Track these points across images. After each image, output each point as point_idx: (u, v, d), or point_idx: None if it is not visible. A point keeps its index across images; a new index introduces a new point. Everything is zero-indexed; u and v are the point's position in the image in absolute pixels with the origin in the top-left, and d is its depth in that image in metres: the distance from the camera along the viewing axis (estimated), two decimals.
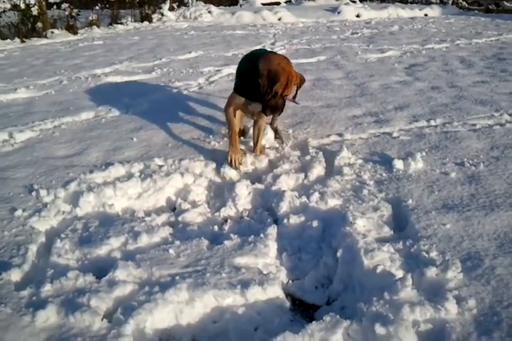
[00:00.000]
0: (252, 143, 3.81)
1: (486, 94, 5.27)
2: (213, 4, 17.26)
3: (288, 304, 2.23)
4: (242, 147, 3.76)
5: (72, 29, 12.47)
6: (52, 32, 11.99)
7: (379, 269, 2.19)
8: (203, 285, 2.16)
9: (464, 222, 2.61)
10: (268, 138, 3.95)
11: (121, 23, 14.21)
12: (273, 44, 9.73)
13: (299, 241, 2.68)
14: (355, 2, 18.96)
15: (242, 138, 3.96)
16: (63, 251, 2.52)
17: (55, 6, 13.96)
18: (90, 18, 13.57)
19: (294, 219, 2.81)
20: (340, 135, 4.09)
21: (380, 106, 4.95)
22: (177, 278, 2.23)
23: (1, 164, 3.65)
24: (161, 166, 3.49)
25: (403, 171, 3.30)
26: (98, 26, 13.42)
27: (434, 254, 2.31)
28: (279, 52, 4.13)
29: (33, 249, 2.53)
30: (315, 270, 2.45)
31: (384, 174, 3.29)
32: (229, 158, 3.50)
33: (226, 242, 2.55)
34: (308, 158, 3.56)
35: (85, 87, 6.17)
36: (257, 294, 2.16)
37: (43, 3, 12.28)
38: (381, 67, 7.09)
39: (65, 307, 2.03)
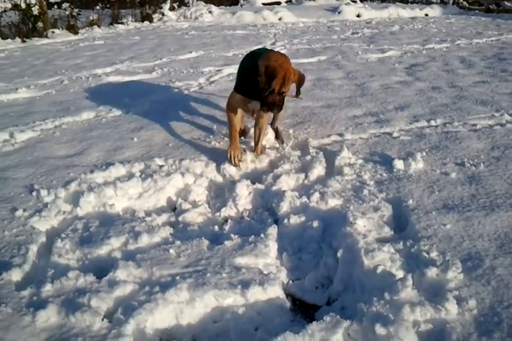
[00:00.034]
0: (252, 143, 3.81)
1: (486, 94, 5.27)
2: (214, 4, 17.26)
3: (288, 304, 2.23)
4: (243, 147, 3.77)
5: (72, 29, 12.47)
6: (53, 32, 11.99)
7: (379, 269, 2.19)
8: (203, 285, 2.17)
9: (465, 222, 2.61)
10: (268, 138, 3.96)
11: (122, 23, 14.21)
12: (273, 44, 9.72)
13: (300, 241, 2.68)
14: (355, 2, 18.95)
15: (242, 138, 3.96)
16: (64, 251, 2.52)
17: (55, 6, 13.96)
18: (91, 17, 13.57)
19: (295, 219, 2.81)
20: (340, 135, 4.09)
21: (381, 106, 4.95)
22: (177, 278, 2.24)
23: (2, 164, 3.66)
24: (161, 166, 3.49)
25: (403, 171, 3.30)
26: (99, 26, 13.42)
27: (434, 254, 2.31)
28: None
29: (34, 248, 2.53)
30: (315, 270, 2.45)
31: (384, 174, 3.29)
32: (228, 155, 3.52)
33: (226, 242, 2.55)
34: (308, 158, 3.57)
35: (86, 87, 6.17)
36: (257, 294, 2.17)
37: (44, 2, 12.28)
38: (381, 67, 7.09)
39: (65, 307, 2.03)
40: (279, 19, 15.20)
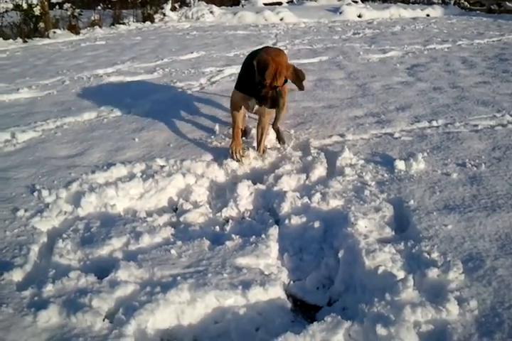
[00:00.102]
0: (254, 143, 3.82)
1: (487, 94, 5.26)
2: (215, 4, 17.26)
3: (289, 305, 2.23)
4: (245, 146, 3.77)
5: (74, 29, 12.48)
6: (54, 32, 12.01)
7: (380, 270, 2.19)
8: (204, 286, 2.17)
9: (466, 223, 2.60)
10: (270, 138, 3.96)
11: (124, 23, 14.23)
12: (275, 44, 9.70)
13: (301, 242, 2.68)
14: (356, 2, 18.94)
15: (244, 138, 3.96)
16: (65, 252, 2.53)
17: (57, 6, 13.97)
18: (92, 18, 13.59)
19: (296, 220, 2.81)
20: (341, 135, 4.09)
21: (382, 106, 4.94)
22: (178, 278, 2.24)
23: (3, 164, 3.66)
24: (162, 166, 3.49)
25: (405, 172, 3.30)
26: (100, 26, 13.44)
27: (435, 255, 2.31)
28: None
29: (35, 249, 2.54)
30: (316, 270, 2.45)
31: (385, 175, 3.29)
32: (230, 151, 3.56)
33: (228, 243, 2.55)
34: (309, 158, 3.57)
35: (87, 87, 6.18)
36: (258, 295, 2.17)
37: (45, 3, 12.30)
38: (383, 67, 7.09)
39: (66, 308, 2.04)
40: (281, 19, 15.20)
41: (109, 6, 14.71)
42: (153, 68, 7.35)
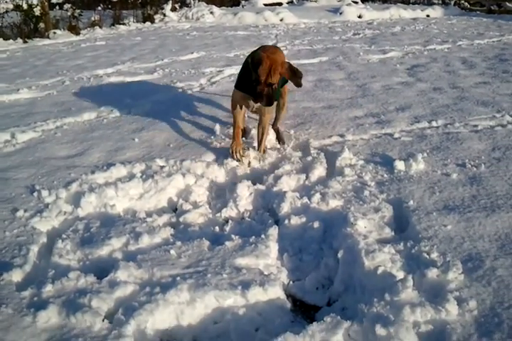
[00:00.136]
0: (254, 144, 3.82)
1: (487, 95, 5.27)
2: (215, 5, 17.29)
3: (289, 305, 2.23)
4: (246, 146, 3.78)
5: (74, 29, 12.50)
6: (54, 32, 12.02)
7: (380, 270, 2.19)
8: (204, 286, 2.17)
9: (465, 223, 2.60)
10: (270, 138, 3.96)
11: (124, 24, 14.24)
12: (275, 45, 9.72)
13: (300, 242, 2.68)
14: (357, 3, 18.97)
15: (244, 138, 3.96)
16: (64, 252, 2.53)
17: (57, 7, 13.99)
18: (92, 18, 13.61)
19: (295, 220, 2.81)
20: (341, 136, 4.09)
21: (382, 107, 4.94)
22: (178, 278, 2.24)
23: (3, 164, 3.66)
24: (162, 167, 3.49)
25: (404, 172, 3.30)
26: (100, 27, 13.45)
27: (435, 255, 2.31)
28: None
29: (35, 249, 2.54)
30: (316, 271, 2.45)
31: (385, 175, 3.29)
32: (230, 150, 3.58)
33: (227, 243, 2.55)
34: (309, 158, 3.57)
35: (87, 88, 6.18)
36: (257, 295, 2.17)
37: (46, 3, 12.32)
38: (383, 68, 7.09)
39: (66, 308, 2.04)
40: (281, 20, 15.21)
41: (110, 6, 14.73)
42: (153, 68, 7.36)
